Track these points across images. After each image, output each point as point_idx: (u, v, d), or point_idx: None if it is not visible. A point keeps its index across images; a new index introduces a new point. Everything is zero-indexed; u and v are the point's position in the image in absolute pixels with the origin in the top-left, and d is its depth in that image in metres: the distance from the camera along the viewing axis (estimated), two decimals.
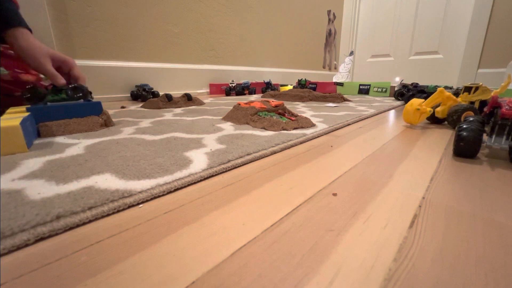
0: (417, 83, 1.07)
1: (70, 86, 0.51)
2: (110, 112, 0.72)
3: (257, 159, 0.34)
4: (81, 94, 0.51)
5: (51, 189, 0.23)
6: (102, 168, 0.28)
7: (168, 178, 0.26)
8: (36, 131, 0.43)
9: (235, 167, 0.31)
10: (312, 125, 0.53)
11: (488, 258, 0.16)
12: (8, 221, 0.18)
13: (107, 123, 0.51)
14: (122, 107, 0.83)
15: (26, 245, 0.17)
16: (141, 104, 0.90)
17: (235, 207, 0.22)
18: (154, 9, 1.18)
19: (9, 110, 0.43)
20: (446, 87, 0.85)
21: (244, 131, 0.46)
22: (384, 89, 1.35)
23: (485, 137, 0.35)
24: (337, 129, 0.54)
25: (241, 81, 1.51)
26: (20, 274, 0.15)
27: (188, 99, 0.87)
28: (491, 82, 1.70)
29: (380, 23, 2.33)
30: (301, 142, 0.42)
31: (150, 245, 0.17)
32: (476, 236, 0.18)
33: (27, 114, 0.40)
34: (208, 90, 1.47)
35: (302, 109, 0.80)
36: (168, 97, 0.83)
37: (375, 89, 1.38)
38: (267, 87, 1.47)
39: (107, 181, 0.25)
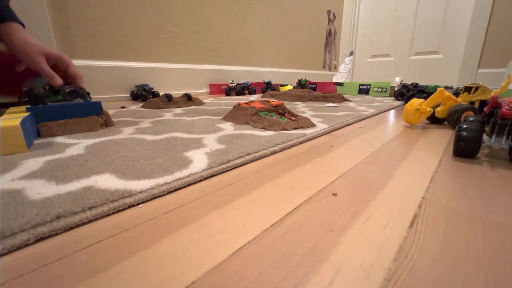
0: (417, 83, 1.07)
1: (67, 90, 0.49)
2: (110, 112, 0.72)
3: (257, 159, 0.34)
4: (78, 98, 0.50)
5: (51, 189, 0.23)
6: (102, 168, 0.28)
7: (168, 178, 0.26)
8: (36, 131, 0.43)
9: (235, 167, 0.31)
10: (312, 125, 0.53)
11: (488, 258, 0.16)
12: (8, 221, 0.18)
13: (107, 123, 0.51)
14: (122, 107, 0.83)
15: (26, 245, 0.17)
16: (141, 104, 0.90)
17: (235, 207, 0.22)
18: (154, 9, 1.18)
19: (9, 110, 0.44)
20: (446, 87, 0.85)
21: (244, 131, 0.46)
22: (384, 89, 1.35)
23: (485, 137, 0.35)
24: (337, 129, 0.54)
25: (241, 81, 1.51)
26: (20, 274, 0.15)
27: (188, 99, 0.87)
28: (491, 82, 1.70)
29: (380, 23, 2.33)
30: (301, 142, 0.42)
31: (150, 245, 0.17)
32: (476, 236, 0.18)
33: (27, 114, 0.40)
34: (208, 90, 1.47)
35: (302, 109, 0.80)
36: (168, 97, 0.83)
37: (375, 89, 1.38)
38: (267, 87, 1.47)
39: (107, 181, 0.25)
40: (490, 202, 0.23)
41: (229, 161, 0.31)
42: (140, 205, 0.22)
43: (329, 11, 2.36)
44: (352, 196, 0.24)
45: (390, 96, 1.33)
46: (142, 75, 1.18)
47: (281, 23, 1.88)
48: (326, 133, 0.49)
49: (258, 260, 0.16)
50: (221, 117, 0.61)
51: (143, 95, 1.06)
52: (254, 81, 1.61)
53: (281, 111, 0.57)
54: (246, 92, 1.41)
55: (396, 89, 1.15)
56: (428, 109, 0.54)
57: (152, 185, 0.24)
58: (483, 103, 0.58)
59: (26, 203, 0.20)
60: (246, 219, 0.20)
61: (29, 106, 0.44)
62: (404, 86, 1.12)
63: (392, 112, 0.79)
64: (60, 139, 0.41)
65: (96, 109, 0.50)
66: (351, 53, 1.99)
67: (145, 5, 1.14)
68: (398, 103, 1.00)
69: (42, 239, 0.18)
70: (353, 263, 0.15)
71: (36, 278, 0.14)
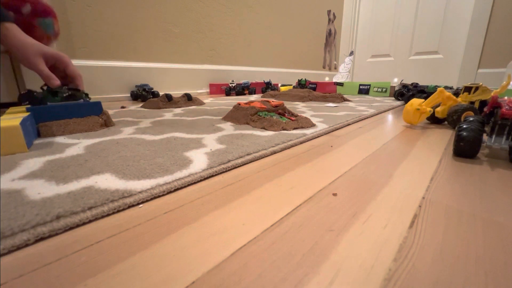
0: (417, 83, 1.07)
1: (66, 94, 0.48)
2: (110, 112, 0.72)
3: (257, 159, 0.34)
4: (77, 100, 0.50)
5: (51, 189, 0.23)
6: (102, 168, 0.28)
7: (168, 178, 0.26)
8: (36, 131, 0.43)
9: (235, 167, 0.31)
10: (312, 125, 0.53)
11: (488, 258, 0.16)
12: (8, 221, 0.18)
13: (107, 123, 0.51)
14: (122, 107, 0.83)
15: (26, 245, 0.17)
16: (141, 104, 0.90)
17: (235, 207, 0.22)
18: (154, 9, 1.18)
19: (9, 110, 0.43)
20: (446, 87, 0.85)
21: (244, 131, 0.46)
22: (384, 89, 1.35)
23: (485, 137, 0.35)
24: (337, 129, 0.54)
25: (241, 81, 1.51)
26: (20, 274, 0.15)
27: (188, 99, 0.87)
28: (491, 82, 1.70)
29: (380, 23, 2.33)
30: (301, 142, 0.42)
31: (150, 245, 0.17)
32: (476, 236, 0.18)
33: (27, 114, 0.40)
34: (208, 90, 1.47)
35: (302, 109, 0.80)
36: (168, 97, 0.83)
37: (375, 89, 1.38)
38: (267, 87, 1.47)
39: (107, 181, 0.25)
40: (490, 202, 0.23)
41: (229, 161, 0.31)
42: (140, 205, 0.22)
43: (329, 11, 2.36)
44: (352, 196, 0.24)
45: (390, 96, 1.33)
46: (142, 75, 1.18)
47: (281, 23, 1.88)
48: (326, 133, 0.49)
49: (258, 260, 0.16)
50: (221, 117, 0.61)
51: (143, 95, 1.05)
52: (254, 81, 1.61)
53: (281, 111, 0.57)
54: (246, 92, 1.41)
55: (396, 89, 1.15)
56: (428, 109, 0.54)
57: (152, 185, 0.24)
58: (483, 103, 0.58)
59: (26, 203, 0.20)
60: (246, 219, 0.20)
61: (29, 106, 0.44)
62: (404, 86, 1.12)
63: (392, 112, 0.79)
64: (60, 139, 0.41)
65: (96, 109, 0.50)
66: (351, 53, 1.99)
67: (145, 5, 1.14)
68: (398, 103, 1.00)
69: (42, 239, 0.18)
70: (353, 263, 0.15)
71: (36, 278, 0.14)
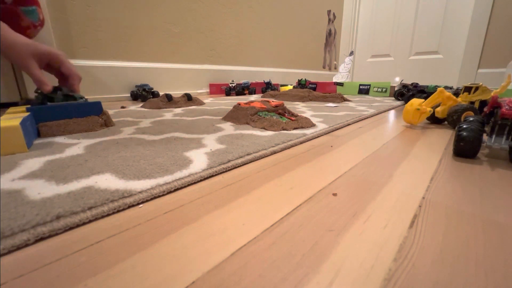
0: (417, 83, 1.07)
1: (60, 99, 0.46)
2: (110, 112, 0.72)
3: (257, 159, 0.34)
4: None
5: (51, 189, 0.23)
6: (102, 168, 0.28)
7: (168, 178, 0.26)
8: (36, 131, 0.43)
9: (235, 167, 0.31)
10: (312, 125, 0.53)
11: (488, 258, 0.16)
12: (8, 221, 0.18)
13: (107, 123, 0.51)
14: (122, 107, 0.83)
15: (26, 245, 0.17)
16: (141, 104, 0.90)
17: (235, 207, 0.22)
18: (154, 9, 1.18)
19: (9, 110, 0.44)
20: (446, 87, 0.85)
21: (244, 131, 0.46)
22: (384, 89, 1.35)
23: (485, 137, 0.35)
24: (337, 129, 0.54)
25: (241, 81, 1.50)
26: (20, 274, 0.15)
27: (188, 99, 0.87)
28: (491, 82, 1.70)
29: (380, 23, 2.33)
30: (301, 142, 0.42)
31: (150, 245, 0.17)
32: (476, 236, 0.18)
33: (27, 114, 0.40)
34: (208, 90, 1.47)
35: (302, 109, 0.80)
36: (168, 97, 0.83)
37: (375, 89, 1.38)
38: (267, 87, 1.47)
39: (107, 181, 0.25)
40: (490, 202, 0.23)
41: (229, 161, 0.31)
42: (140, 205, 0.22)
43: (329, 11, 2.36)
44: (352, 196, 0.24)
45: (390, 96, 1.33)
46: (142, 75, 1.18)
47: (281, 23, 1.88)
48: (326, 133, 0.49)
49: (258, 260, 0.16)
50: (221, 117, 0.61)
51: (143, 95, 1.05)
52: (254, 81, 1.61)
53: (281, 111, 0.57)
54: (246, 92, 1.41)
55: (396, 89, 1.15)
56: (428, 109, 0.54)
57: (152, 185, 0.24)
58: (483, 103, 0.58)
59: (26, 203, 0.20)
60: (246, 219, 0.20)
61: (29, 106, 0.44)
62: (404, 86, 1.12)
63: (392, 112, 0.79)
64: (60, 139, 0.41)
65: (96, 109, 0.50)
66: (351, 53, 1.99)
67: (145, 5, 1.14)
68: (398, 103, 1.00)
69: (42, 239, 0.18)
70: (353, 263, 0.15)
71: (36, 278, 0.14)
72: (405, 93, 1.06)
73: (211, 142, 0.39)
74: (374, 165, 0.32)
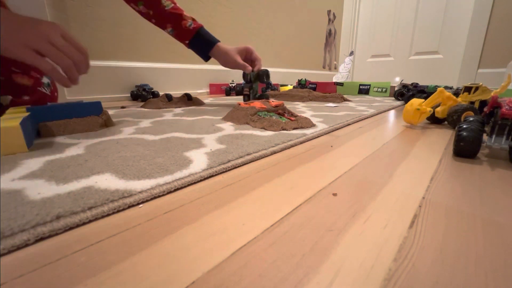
0: (417, 83, 1.07)
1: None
2: (110, 112, 0.72)
3: (257, 159, 0.34)
4: None
5: (51, 189, 0.23)
6: (102, 168, 0.28)
7: (168, 178, 0.26)
8: (36, 131, 0.43)
9: (235, 167, 0.31)
10: (312, 125, 0.53)
11: (488, 258, 0.16)
12: (8, 221, 0.18)
13: (107, 123, 0.51)
14: (122, 107, 0.83)
15: (26, 245, 0.17)
16: (141, 104, 0.90)
17: (235, 207, 0.22)
18: None
19: (9, 110, 0.43)
20: (446, 87, 0.85)
21: (244, 131, 0.46)
22: (384, 89, 1.35)
23: (485, 137, 0.35)
24: (337, 129, 0.54)
25: (241, 81, 1.50)
26: (20, 274, 0.15)
27: (188, 99, 0.87)
28: (491, 82, 1.70)
29: (380, 23, 2.33)
30: (301, 142, 0.42)
31: (150, 245, 0.17)
32: (476, 236, 0.18)
33: (27, 114, 0.40)
34: (208, 90, 1.47)
35: (302, 109, 0.80)
36: (168, 97, 0.83)
37: (375, 89, 1.38)
38: (267, 87, 1.47)
39: (107, 181, 0.25)
40: (490, 202, 0.23)
41: (229, 161, 0.31)
42: (140, 205, 0.22)
43: (329, 11, 2.36)
44: (352, 196, 0.24)
45: (390, 96, 1.33)
46: (142, 75, 1.18)
47: (281, 23, 1.88)
48: (326, 133, 0.49)
49: (258, 260, 0.16)
50: (221, 117, 0.61)
51: (143, 95, 1.05)
52: None
53: (281, 111, 0.57)
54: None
55: (396, 89, 1.15)
56: (428, 109, 0.54)
57: (152, 185, 0.24)
58: (483, 103, 0.58)
59: (26, 203, 0.20)
60: (246, 219, 0.20)
61: (29, 106, 0.44)
62: (404, 86, 1.12)
63: (392, 112, 0.79)
64: (60, 139, 0.41)
65: (96, 109, 0.50)
66: (351, 53, 1.99)
67: None
68: (398, 103, 1.00)
69: (42, 239, 0.18)
70: (353, 263, 0.15)
71: (36, 278, 0.14)
72: (405, 93, 1.06)
73: (211, 142, 0.39)
74: (374, 165, 0.32)
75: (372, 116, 0.71)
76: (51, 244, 0.17)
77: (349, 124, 0.59)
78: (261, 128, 0.49)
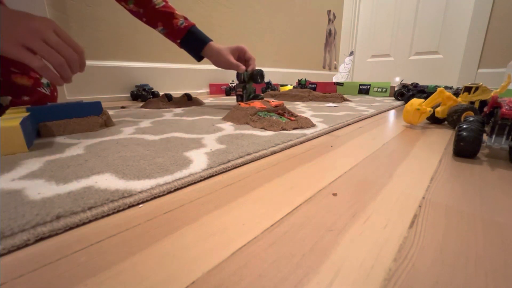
0: (417, 83, 1.07)
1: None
2: (110, 112, 0.72)
3: (257, 159, 0.34)
4: None
5: (51, 189, 0.23)
6: (102, 168, 0.28)
7: (168, 178, 0.26)
8: (36, 131, 0.43)
9: (235, 167, 0.31)
10: (312, 125, 0.53)
11: (488, 258, 0.16)
12: (8, 221, 0.18)
13: (107, 123, 0.51)
14: (122, 107, 0.83)
15: (26, 245, 0.17)
16: (141, 104, 0.90)
17: (235, 207, 0.22)
18: None
19: (9, 110, 0.43)
20: (446, 87, 0.85)
21: (244, 131, 0.46)
22: (384, 89, 1.35)
23: (485, 137, 0.35)
24: (337, 129, 0.54)
25: None
26: (20, 274, 0.15)
27: (188, 99, 0.87)
28: (491, 82, 1.70)
29: (380, 23, 2.33)
30: (301, 142, 0.42)
31: (150, 245, 0.17)
32: (476, 236, 0.18)
33: (27, 114, 0.40)
34: (208, 90, 1.47)
35: (302, 109, 0.80)
36: (168, 97, 0.83)
37: (375, 89, 1.38)
38: (267, 87, 1.47)
39: (107, 181, 0.25)
40: (490, 202, 0.23)
41: (229, 161, 0.31)
42: (140, 205, 0.22)
43: (329, 11, 2.36)
44: (352, 196, 0.24)
45: (390, 96, 1.33)
46: (142, 75, 1.18)
47: (281, 23, 1.88)
48: (326, 133, 0.49)
49: (258, 260, 0.16)
50: (221, 117, 0.61)
51: (143, 95, 1.05)
52: None
53: (280, 111, 0.57)
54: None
55: (396, 89, 1.15)
56: (428, 109, 0.54)
57: (152, 185, 0.24)
58: (483, 103, 0.58)
59: (26, 203, 0.20)
60: (246, 219, 0.20)
61: (29, 106, 0.44)
62: (404, 86, 1.12)
63: (392, 112, 0.79)
64: (60, 139, 0.41)
65: (96, 109, 0.50)
66: (351, 53, 1.99)
67: None
68: (398, 103, 1.00)
69: (42, 239, 0.18)
70: (353, 263, 0.15)
71: (36, 278, 0.14)
72: (405, 93, 1.06)
73: (211, 142, 0.39)
74: (374, 165, 0.32)
75: (372, 116, 0.71)
76: (51, 244, 0.17)
77: (349, 124, 0.59)
78: (261, 128, 0.49)
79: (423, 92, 0.97)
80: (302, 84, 1.45)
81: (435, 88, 0.95)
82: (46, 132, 0.43)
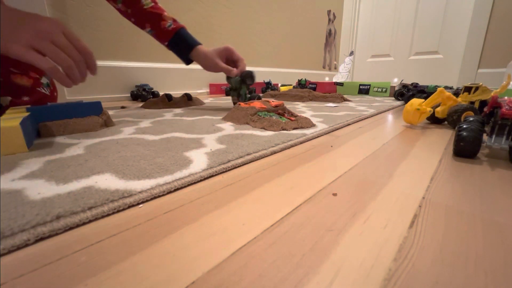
0: (417, 83, 1.07)
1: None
2: (110, 112, 0.72)
3: (257, 159, 0.34)
4: None
5: (51, 189, 0.23)
6: (102, 168, 0.28)
7: (168, 178, 0.26)
8: (36, 131, 0.43)
9: (235, 167, 0.31)
10: (312, 125, 0.53)
11: (488, 258, 0.16)
12: (8, 221, 0.18)
13: (107, 123, 0.51)
14: (123, 107, 0.83)
15: (26, 245, 0.17)
16: (141, 104, 0.90)
17: (235, 207, 0.22)
18: None
19: (9, 111, 0.43)
20: (446, 87, 0.85)
21: (244, 131, 0.46)
22: (384, 89, 1.35)
23: (485, 137, 0.35)
24: (337, 129, 0.54)
25: None
26: (20, 274, 0.15)
27: (188, 99, 0.87)
28: (491, 82, 1.70)
29: (380, 23, 2.33)
30: (301, 142, 0.42)
31: (150, 245, 0.17)
32: (476, 236, 0.18)
33: (27, 114, 0.40)
34: (208, 90, 1.47)
35: (302, 109, 0.80)
36: (168, 97, 0.83)
37: (375, 89, 1.38)
38: (267, 87, 1.47)
39: (107, 181, 0.25)
40: (490, 202, 0.23)
41: (229, 161, 0.31)
42: (140, 205, 0.22)
43: (329, 11, 2.36)
44: (352, 196, 0.24)
45: (390, 96, 1.33)
46: (142, 75, 1.18)
47: (281, 23, 1.88)
48: (326, 133, 0.49)
49: (258, 260, 0.16)
50: (221, 117, 0.61)
51: (143, 95, 1.05)
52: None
53: (280, 111, 0.57)
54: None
55: (396, 89, 1.15)
56: (428, 109, 0.54)
57: (152, 185, 0.24)
58: (483, 103, 0.58)
59: (26, 203, 0.20)
60: (246, 219, 0.20)
61: (29, 106, 0.44)
62: (404, 86, 1.12)
63: (392, 112, 0.79)
64: (60, 139, 0.41)
65: (96, 109, 0.50)
66: (351, 53, 1.99)
67: None
68: (398, 103, 1.00)
69: (42, 239, 0.18)
70: (353, 263, 0.15)
71: (36, 278, 0.14)
72: (405, 93, 1.06)
73: (211, 142, 0.39)
74: (374, 165, 0.32)
75: (372, 116, 0.71)
76: (51, 244, 0.17)
77: (349, 124, 0.59)
78: (261, 128, 0.49)
79: (423, 92, 0.97)
80: (302, 84, 1.45)
81: (435, 88, 0.95)
82: (46, 132, 0.43)
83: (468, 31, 1.80)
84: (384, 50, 2.34)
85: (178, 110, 0.75)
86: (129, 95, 1.14)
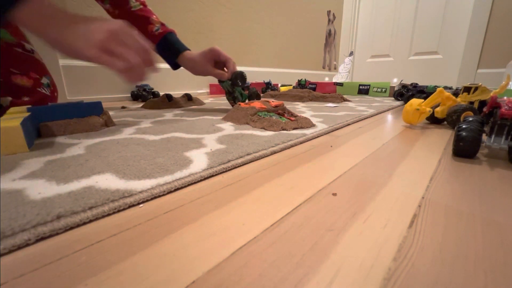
0: (416, 83, 1.07)
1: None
2: (111, 112, 0.72)
3: (257, 159, 0.34)
4: None
5: (51, 189, 0.23)
6: (103, 168, 0.28)
7: (168, 178, 0.26)
8: (36, 131, 0.43)
9: (235, 167, 0.31)
10: (312, 125, 0.53)
11: (487, 257, 0.16)
12: (9, 221, 0.18)
13: (108, 123, 0.51)
14: (123, 107, 0.83)
15: (27, 245, 0.17)
16: (141, 104, 0.90)
17: (235, 207, 0.22)
18: (154, 9, 1.18)
19: (9, 111, 0.43)
20: (445, 87, 0.85)
21: (244, 131, 0.46)
22: (383, 89, 1.35)
23: (484, 137, 0.36)
24: (337, 129, 0.54)
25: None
26: (20, 273, 0.15)
27: (188, 99, 0.87)
28: (490, 82, 1.71)
29: (380, 23, 2.33)
30: (301, 142, 0.42)
31: (150, 245, 0.17)
32: (476, 236, 0.18)
33: (27, 114, 0.40)
34: (208, 90, 1.47)
35: (302, 109, 0.80)
36: (168, 97, 0.83)
37: (375, 89, 1.38)
38: (267, 87, 1.47)
39: (107, 181, 0.25)
40: (490, 202, 0.23)
41: (229, 161, 0.31)
42: (141, 205, 0.22)
43: (329, 12, 2.36)
44: (352, 196, 0.24)
45: (389, 96, 1.33)
46: None
47: (281, 23, 1.88)
48: (326, 133, 0.50)
49: (258, 260, 0.16)
50: (221, 117, 0.61)
51: (143, 95, 1.06)
52: (254, 81, 1.60)
53: (280, 111, 0.57)
54: (246, 92, 1.40)
55: (395, 89, 1.16)
56: (428, 109, 0.54)
57: (153, 185, 0.24)
58: (482, 103, 0.58)
59: (26, 203, 0.20)
60: (246, 219, 0.20)
61: (29, 106, 0.44)
62: (403, 86, 1.12)
63: (391, 112, 0.79)
64: (60, 139, 0.41)
65: (97, 109, 0.50)
66: (351, 54, 1.99)
67: None
68: (398, 103, 1.01)
69: (42, 238, 0.18)
70: (353, 263, 0.15)
71: (37, 277, 0.14)
72: (404, 93, 1.06)
73: (211, 142, 0.39)
74: (374, 165, 0.32)
75: (371, 116, 0.71)
76: (52, 244, 0.17)
77: (348, 124, 0.59)
78: (261, 128, 0.49)
79: (423, 92, 0.97)
80: (302, 84, 1.46)
81: (434, 88, 0.95)
82: (47, 132, 0.43)
83: (467, 32, 1.80)
84: (383, 50, 2.34)
85: (178, 110, 0.75)
86: (130, 95, 1.14)
